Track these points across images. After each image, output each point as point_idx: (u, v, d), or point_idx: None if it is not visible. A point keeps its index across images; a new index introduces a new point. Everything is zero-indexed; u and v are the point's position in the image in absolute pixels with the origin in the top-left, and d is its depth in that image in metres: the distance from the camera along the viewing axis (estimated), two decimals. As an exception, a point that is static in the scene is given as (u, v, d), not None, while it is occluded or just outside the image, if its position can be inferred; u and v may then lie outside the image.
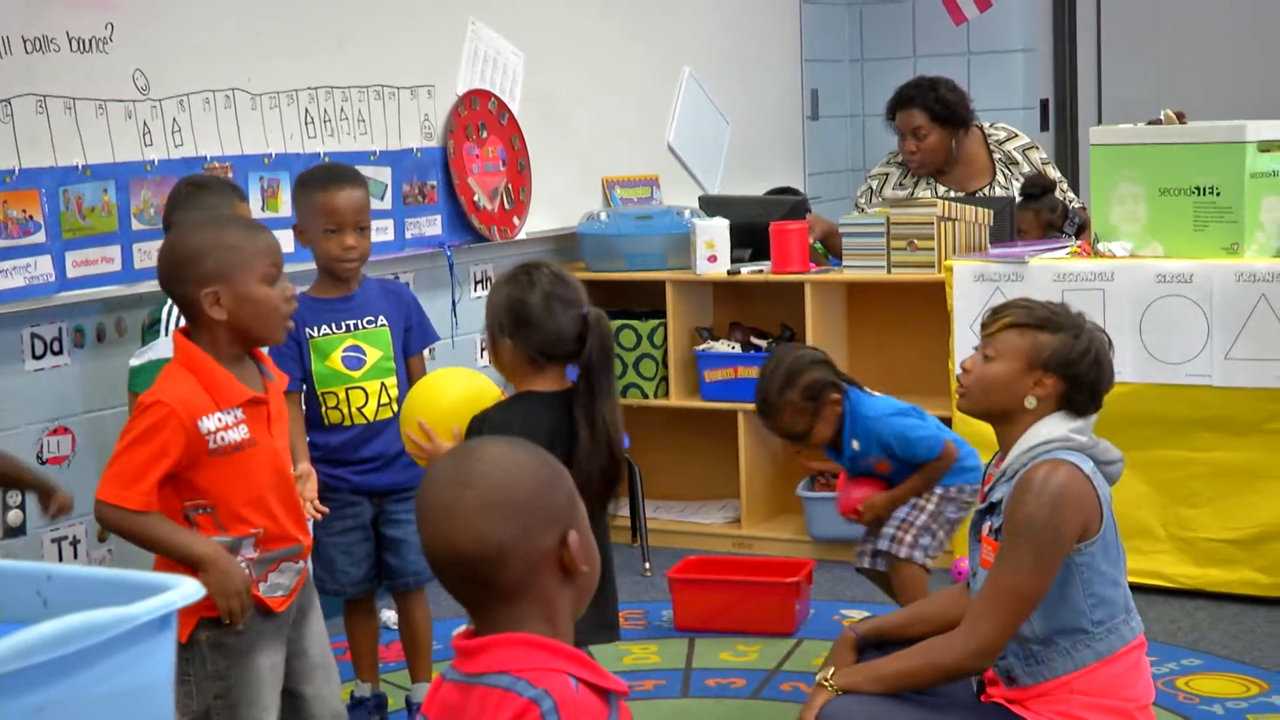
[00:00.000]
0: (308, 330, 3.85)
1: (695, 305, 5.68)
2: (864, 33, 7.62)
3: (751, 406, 5.42)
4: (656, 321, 5.57)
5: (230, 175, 4.40)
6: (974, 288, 4.97)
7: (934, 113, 5.77)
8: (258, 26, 4.56)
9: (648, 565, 5.19)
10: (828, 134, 7.48)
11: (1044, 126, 7.61)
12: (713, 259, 5.45)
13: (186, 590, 1.82)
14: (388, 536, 3.90)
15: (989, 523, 3.04)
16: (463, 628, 1.98)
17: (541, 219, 5.58)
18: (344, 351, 3.83)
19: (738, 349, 5.51)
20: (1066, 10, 7.67)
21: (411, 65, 5.07)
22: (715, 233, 5.45)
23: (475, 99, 5.30)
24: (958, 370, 3.18)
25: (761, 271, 5.44)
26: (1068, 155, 7.63)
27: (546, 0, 5.69)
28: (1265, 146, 4.72)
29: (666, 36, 6.32)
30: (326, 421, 3.83)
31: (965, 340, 4.97)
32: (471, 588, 1.91)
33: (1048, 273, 4.86)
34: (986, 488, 3.10)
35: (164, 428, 2.82)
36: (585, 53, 5.87)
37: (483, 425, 3.08)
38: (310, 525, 3.67)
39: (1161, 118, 4.92)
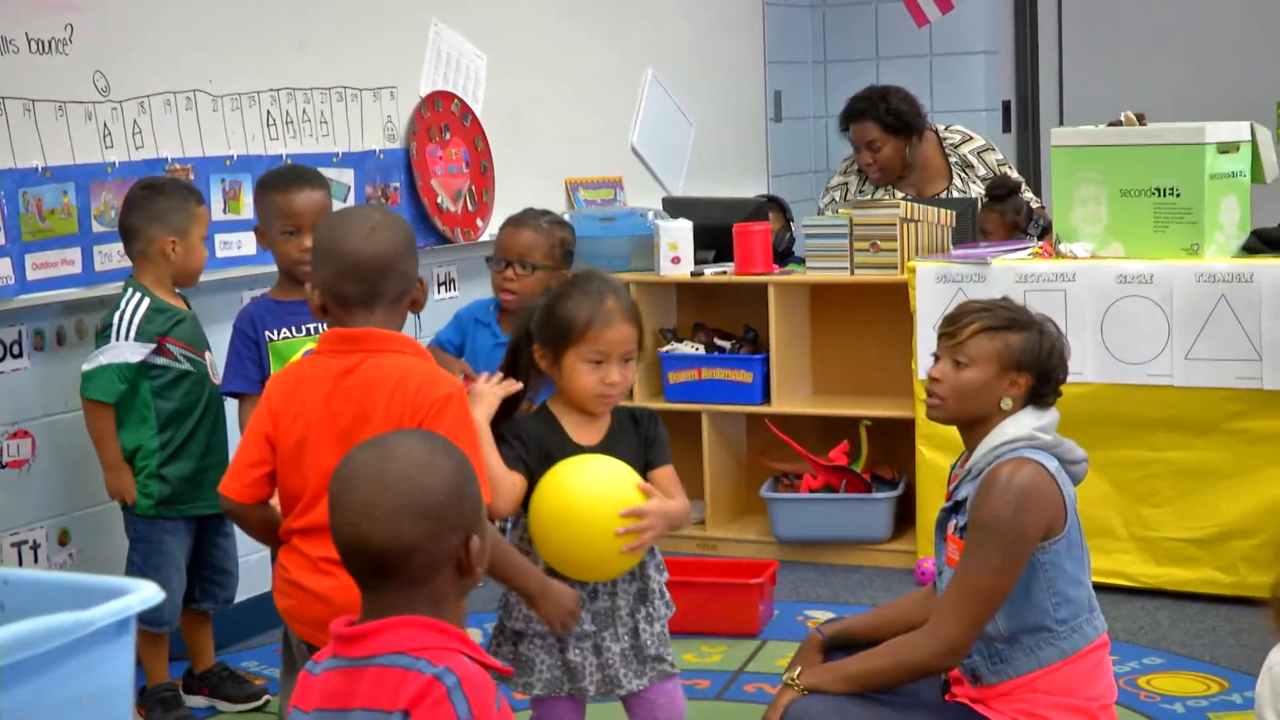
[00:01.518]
0: (267, 333, 3.82)
1: (659, 307, 5.68)
2: (827, 35, 7.64)
3: (715, 407, 5.45)
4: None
5: (191, 177, 4.38)
6: (936, 289, 4.98)
7: (886, 124, 5.81)
8: (219, 28, 4.54)
9: (612, 567, 5.19)
10: (791, 136, 7.50)
11: (1006, 128, 7.64)
12: (676, 260, 5.45)
13: (145, 594, 1.81)
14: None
15: (954, 521, 3.05)
16: (341, 619, 2.05)
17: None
18: (304, 355, 3.77)
19: (701, 350, 5.51)
20: (1028, 12, 7.70)
21: (374, 67, 5.05)
22: (679, 234, 5.45)
23: (438, 101, 5.29)
24: (924, 380, 3.15)
25: (725, 273, 5.44)
26: (1029, 157, 7.66)
27: (510, 2, 5.69)
28: (1224, 148, 4.75)
29: (630, 38, 6.32)
30: None
31: (928, 341, 4.96)
32: (374, 576, 2.01)
33: (1010, 274, 4.88)
34: (952, 486, 3.10)
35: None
36: (549, 55, 5.86)
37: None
38: None
39: (1122, 119, 4.94)
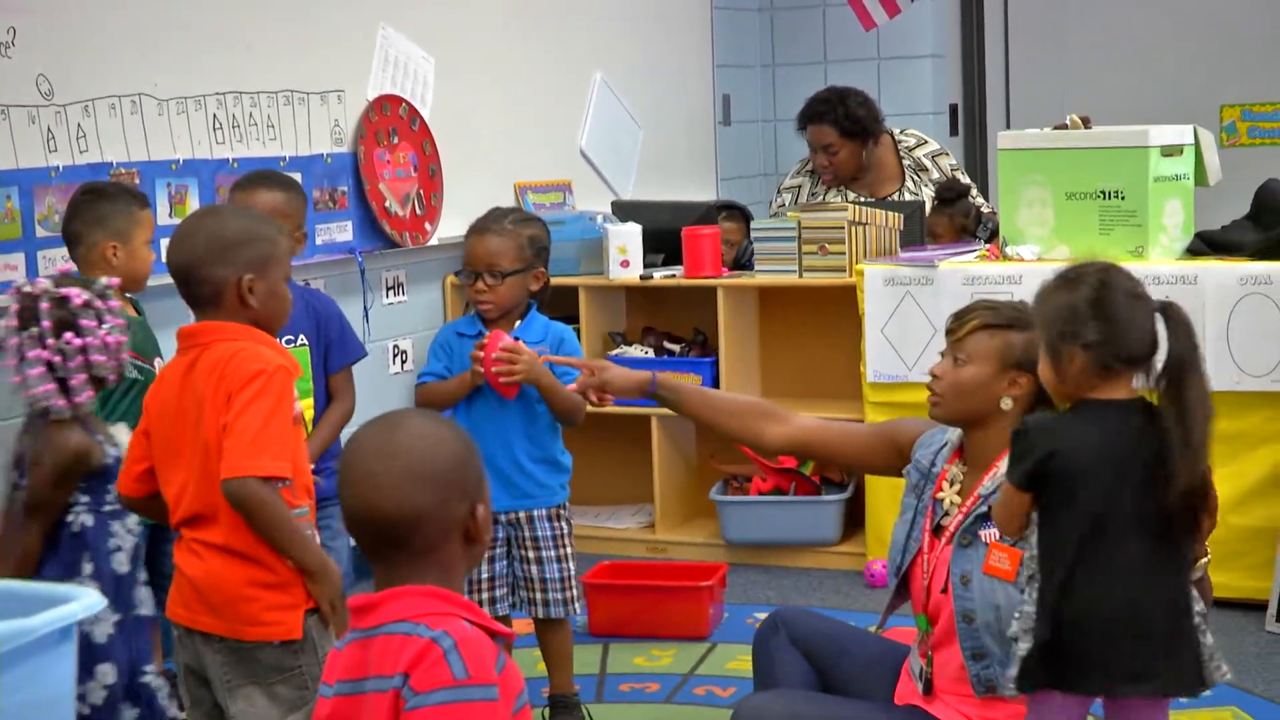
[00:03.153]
0: None
1: (608, 310, 5.68)
2: (775, 38, 7.66)
3: (665, 411, 5.43)
4: (570, 327, 5.55)
5: (137, 181, 4.35)
6: (884, 291, 5.00)
7: (843, 128, 5.82)
8: (165, 31, 4.51)
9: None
10: (740, 139, 7.51)
11: (953, 131, 7.68)
12: (625, 264, 5.45)
13: (88, 602, 1.80)
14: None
15: (996, 528, 2.93)
16: (357, 595, 2.12)
17: (454, 225, 5.55)
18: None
19: (651, 354, 5.52)
20: (974, 16, 7.74)
21: (321, 70, 5.03)
22: (628, 238, 5.45)
23: (386, 104, 5.28)
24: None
25: (674, 276, 5.45)
26: (976, 160, 7.70)
27: (458, 6, 5.68)
28: (1168, 151, 4.79)
29: (578, 42, 6.32)
30: None
31: (876, 343, 5.00)
32: (386, 548, 2.09)
33: (957, 276, 4.90)
34: (981, 491, 3.00)
35: (290, 392, 2.85)
36: (497, 58, 5.85)
37: (1036, 435, 2.68)
38: None
39: (1067, 123, 4.98)
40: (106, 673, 3.09)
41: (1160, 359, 2.68)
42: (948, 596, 3.01)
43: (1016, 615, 2.72)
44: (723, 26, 7.31)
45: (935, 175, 5.96)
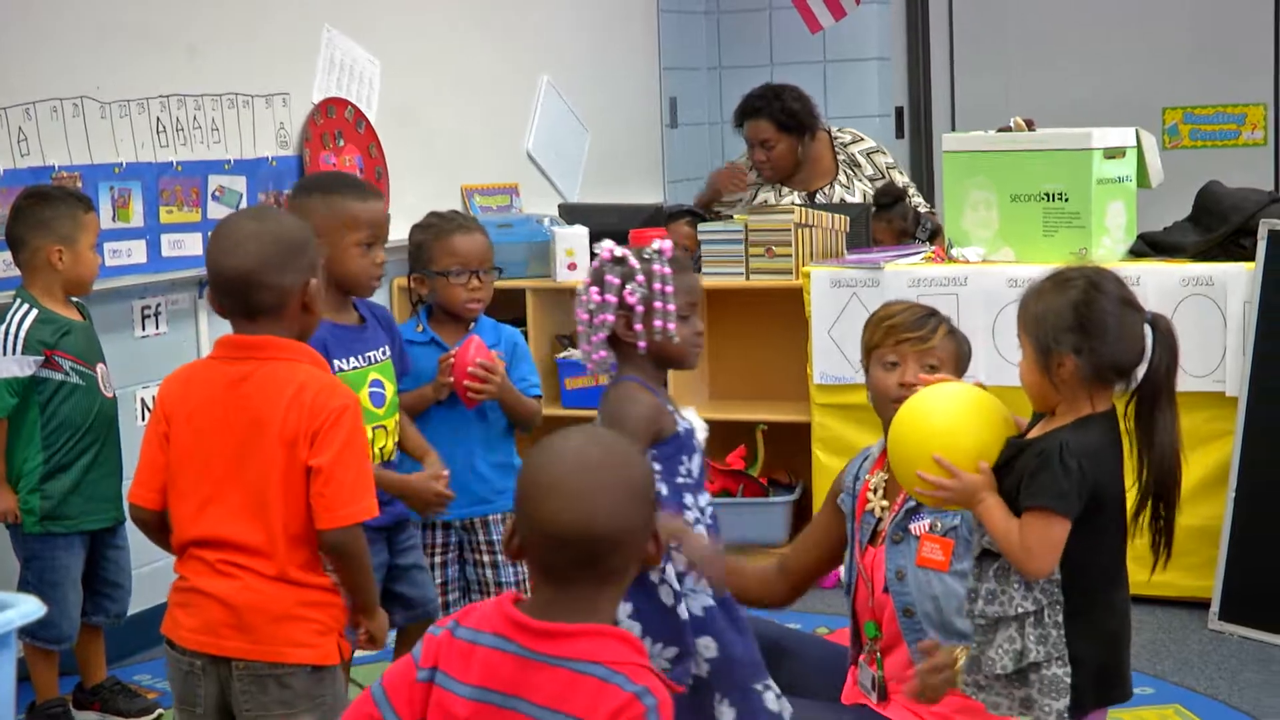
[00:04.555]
0: (337, 363, 3.35)
1: (556, 313, 5.67)
2: (721, 41, 7.67)
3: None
4: (516, 330, 5.55)
5: (79, 185, 4.31)
6: (831, 293, 5.02)
7: (780, 123, 5.88)
8: (107, 33, 4.48)
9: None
10: (687, 142, 7.52)
11: (899, 134, 7.71)
12: (573, 267, 5.45)
13: (26, 609, 1.78)
14: (400, 566, 3.59)
15: (926, 520, 3.00)
16: (515, 596, 2.03)
17: (400, 228, 5.48)
18: (370, 388, 3.45)
19: (598, 356, 5.51)
20: (920, 20, 7.78)
21: (265, 73, 5.01)
22: (575, 240, 5.45)
23: (331, 107, 5.26)
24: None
25: (621, 279, 5.44)
26: (922, 162, 7.73)
27: (403, 8, 5.66)
28: (1111, 153, 4.83)
29: (524, 45, 6.31)
30: None
31: (824, 345, 5.02)
32: (578, 567, 1.98)
33: (903, 278, 4.93)
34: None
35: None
36: (443, 61, 5.84)
37: (1063, 453, 2.56)
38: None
39: (1011, 125, 5.01)
40: None
41: (1141, 369, 2.65)
42: (888, 595, 3.03)
43: (1029, 637, 2.61)
44: (669, 29, 7.31)
45: (869, 171, 6.00)
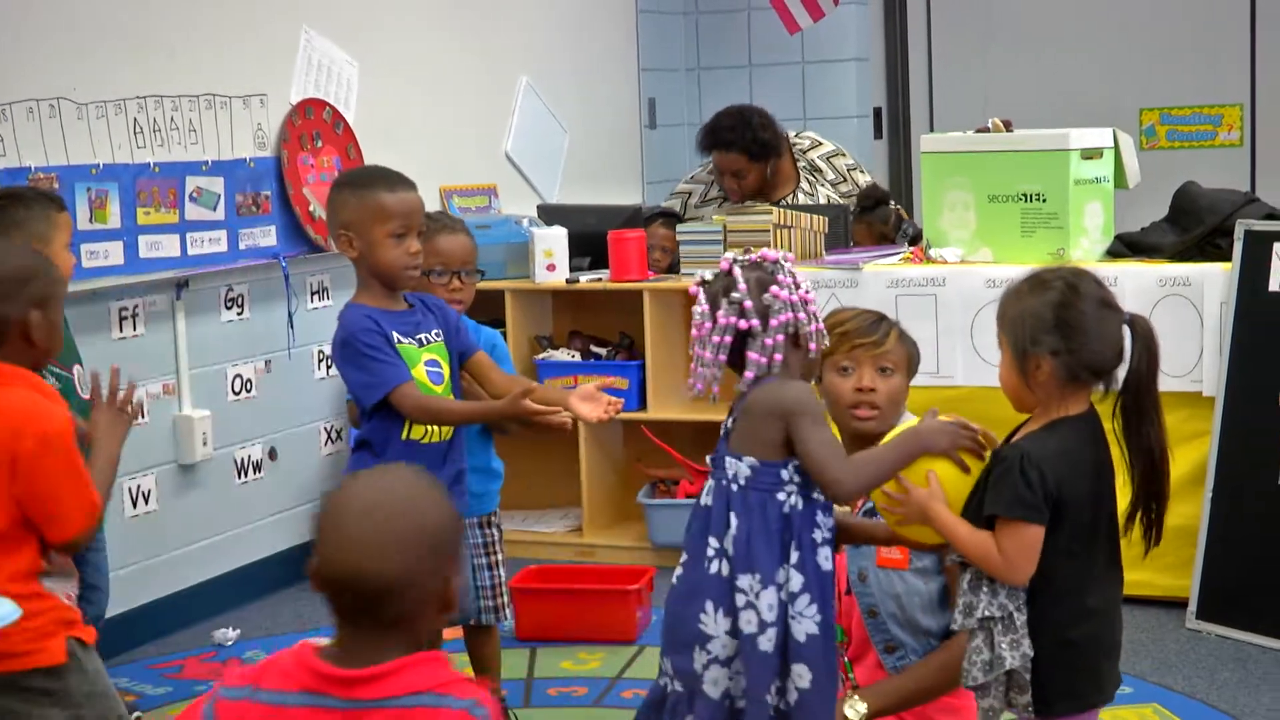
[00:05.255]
0: (395, 335, 3.44)
1: (534, 314, 5.67)
2: (700, 42, 7.67)
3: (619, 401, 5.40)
4: (496, 331, 5.55)
5: (56, 186, 4.30)
6: (810, 294, 5.02)
7: (752, 153, 5.84)
8: (84, 34, 4.46)
9: (489, 576, 5.17)
10: (665, 143, 7.52)
11: (877, 134, 7.72)
12: (551, 268, 5.45)
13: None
14: None
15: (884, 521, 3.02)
16: (312, 646, 1.98)
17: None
18: (426, 365, 3.47)
19: (577, 357, 5.52)
20: (898, 20, 7.79)
21: (243, 74, 5.00)
22: (554, 241, 5.45)
23: (309, 108, 5.25)
24: (849, 394, 3.09)
25: (600, 280, 5.45)
26: (900, 163, 7.74)
27: (381, 9, 5.65)
28: (1088, 154, 4.84)
29: (503, 46, 6.30)
30: (408, 435, 3.44)
31: (802, 346, 5.02)
32: (365, 614, 1.94)
33: (882, 279, 4.93)
34: None
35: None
36: (421, 62, 5.83)
37: (1024, 463, 2.59)
38: None
39: (989, 126, 5.02)
40: None
41: (1121, 371, 2.67)
42: (852, 597, 3.05)
43: (1001, 645, 2.64)
44: (648, 30, 7.31)
45: (831, 176, 5.99)
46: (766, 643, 2.61)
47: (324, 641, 2.00)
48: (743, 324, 2.68)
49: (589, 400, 3.45)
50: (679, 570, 2.73)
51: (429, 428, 3.44)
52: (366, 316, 3.41)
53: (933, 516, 2.62)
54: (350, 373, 3.45)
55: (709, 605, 2.67)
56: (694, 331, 2.75)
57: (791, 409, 2.66)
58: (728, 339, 2.69)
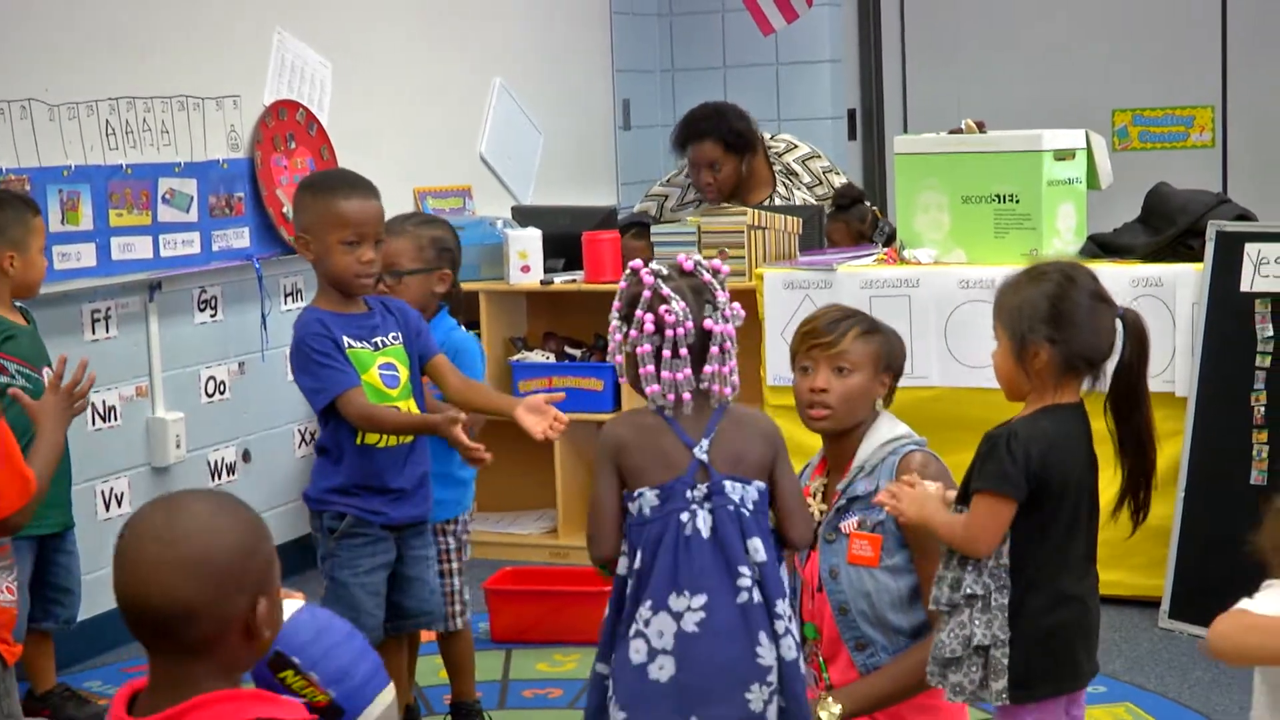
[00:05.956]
0: (346, 339, 3.44)
1: (509, 316, 5.67)
2: (674, 43, 7.68)
3: (567, 416, 5.40)
4: (470, 333, 5.54)
5: (27, 188, 4.28)
6: (784, 295, 5.03)
7: (728, 143, 5.83)
8: (56, 35, 4.45)
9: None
10: (639, 144, 7.52)
11: (851, 136, 7.73)
12: (526, 269, 5.44)
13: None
14: (404, 576, 3.59)
15: (855, 518, 3.03)
16: (126, 686, 1.98)
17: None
18: (380, 369, 3.48)
19: (552, 359, 5.51)
20: (872, 22, 7.80)
21: (216, 75, 4.99)
22: (528, 243, 5.45)
23: (283, 109, 5.23)
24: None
25: (575, 281, 5.45)
26: (874, 164, 7.76)
27: (355, 10, 5.64)
28: (1061, 155, 4.86)
29: (477, 47, 6.30)
30: (360, 440, 3.45)
31: (776, 347, 5.03)
32: (159, 639, 1.94)
33: (855, 280, 4.94)
34: (841, 486, 3.07)
35: None
36: (395, 63, 5.82)
37: (1010, 440, 2.68)
38: (330, 566, 3.51)
39: (963, 127, 5.03)
40: None
41: (1109, 365, 2.77)
42: (824, 594, 3.06)
43: (975, 622, 2.70)
44: (622, 31, 7.31)
45: (807, 179, 5.99)
46: (803, 664, 2.68)
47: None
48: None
49: (535, 412, 3.45)
50: (698, 615, 2.65)
51: (381, 434, 3.44)
52: (318, 320, 3.42)
53: (926, 517, 2.74)
54: (300, 378, 3.47)
55: (762, 637, 2.67)
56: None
57: (779, 440, 2.78)
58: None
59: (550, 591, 4.70)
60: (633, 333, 2.71)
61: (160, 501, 2.00)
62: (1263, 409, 4.49)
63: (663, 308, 2.70)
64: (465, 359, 3.90)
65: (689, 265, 2.76)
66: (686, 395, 2.71)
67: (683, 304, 2.71)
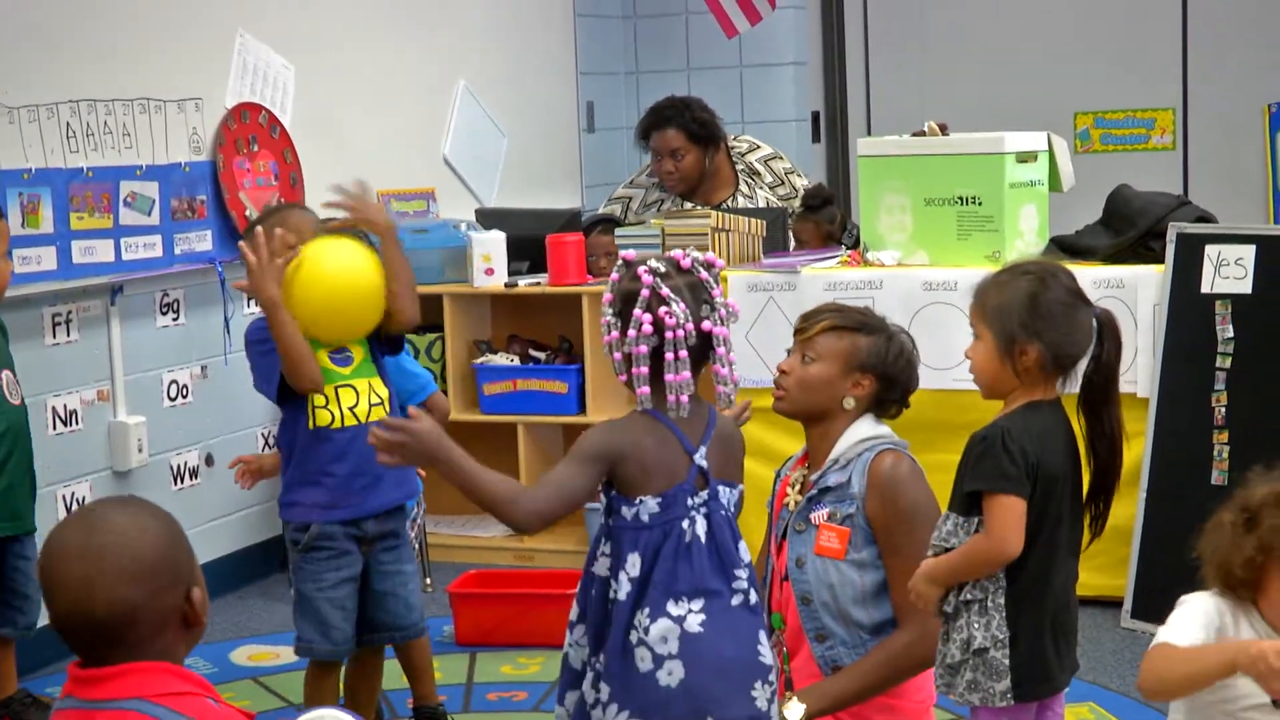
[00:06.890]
0: None
1: (473, 318, 5.65)
2: (638, 46, 7.68)
3: (531, 418, 5.43)
4: (434, 335, 5.54)
5: (-13, 191, 4.26)
6: (749, 297, 5.03)
7: (690, 132, 5.86)
8: (15, 37, 4.42)
9: (429, 580, 5.15)
10: (604, 146, 7.52)
11: (815, 138, 7.75)
12: (490, 272, 5.43)
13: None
14: (373, 590, 3.63)
15: (826, 510, 3.03)
16: (76, 661, 2.03)
17: (315, 233, 5.49)
18: (331, 355, 3.56)
19: (516, 362, 5.51)
20: (835, 24, 7.82)
21: (178, 77, 4.96)
22: (492, 245, 5.44)
23: (245, 112, 5.21)
24: (774, 373, 3.17)
25: (539, 284, 5.44)
26: (838, 166, 7.78)
27: (317, 12, 5.63)
28: (1023, 157, 4.88)
29: (441, 49, 6.29)
30: (314, 423, 3.54)
31: (740, 348, 5.02)
32: (100, 648, 1.99)
33: (819, 282, 4.95)
34: (814, 477, 3.08)
35: None
36: (358, 65, 5.81)
37: (1005, 439, 2.72)
38: (296, 578, 3.58)
39: (925, 130, 5.04)
40: None
41: (1081, 365, 2.82)
42: (789, 583, 3.06)
43: (974, 625, 2.74)
44: (586, 34, 7.31)
45: (769, 179, 6.01)
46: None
47: None
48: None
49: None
50: (700, 617, 2.66)
51: (334, 414, 3.52)
52: (260, 326, 3.56)
53: (929, 571, 2.78)
54: (255, 380, 3.61)
55: (762, 636, 2.71)
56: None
57: (742, 444, 2.83)
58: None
59: (514, 594, 4.69)
60: (630, 333, 2.68)
61: (75, 519, 2.04)
62: (1223, 410, 4.52)
63: (662, 309, 2.66)
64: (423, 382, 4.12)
65: (686, 263, 2.72)
66: (685, 398, 2.70)
67: (683, 305, 2.67)
